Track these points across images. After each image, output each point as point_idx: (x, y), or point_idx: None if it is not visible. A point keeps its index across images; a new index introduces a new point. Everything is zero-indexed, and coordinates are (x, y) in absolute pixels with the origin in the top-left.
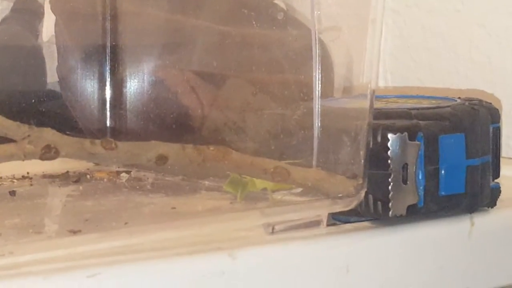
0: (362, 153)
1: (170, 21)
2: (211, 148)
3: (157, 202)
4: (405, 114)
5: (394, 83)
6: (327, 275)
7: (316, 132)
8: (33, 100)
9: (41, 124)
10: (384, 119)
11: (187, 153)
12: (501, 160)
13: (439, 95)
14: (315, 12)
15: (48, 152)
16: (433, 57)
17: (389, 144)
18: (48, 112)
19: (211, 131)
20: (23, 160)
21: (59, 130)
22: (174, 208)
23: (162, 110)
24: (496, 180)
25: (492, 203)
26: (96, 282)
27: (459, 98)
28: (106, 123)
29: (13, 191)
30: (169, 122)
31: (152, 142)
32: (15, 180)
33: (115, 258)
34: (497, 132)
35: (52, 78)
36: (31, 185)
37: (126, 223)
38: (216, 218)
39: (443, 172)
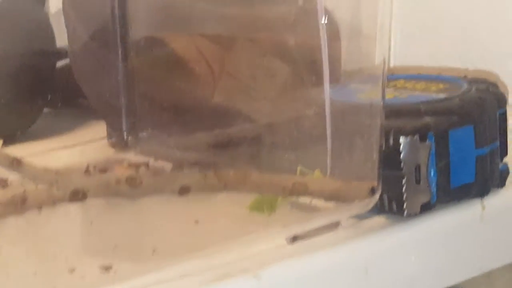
0: (375, 155)
1: None
2: (231, 173)
3: (178, 213)
4: (415, 110)
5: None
6: (347, 279)
7: (328, 131)
8: (43, 72)
9: (53, 97)
10: (395, 117)
11: (208, 182)
12: None
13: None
14: None
15: (76, 196)
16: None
17: (401, 148)
18: (59, 86)
19: (223, 97)
20: (53, 207)
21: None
22: (197, 221)
23: (173, 80)
24: (504, 160)
25: (501, 184)
26: None
27: (465, 77)
28: (119, 102)
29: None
30: (181, 92)
31: (175, 174)
32: None
33: None
34: (504, 117)
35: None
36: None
37: (154, 251)
38: (239, 240)
39: (453, 165)
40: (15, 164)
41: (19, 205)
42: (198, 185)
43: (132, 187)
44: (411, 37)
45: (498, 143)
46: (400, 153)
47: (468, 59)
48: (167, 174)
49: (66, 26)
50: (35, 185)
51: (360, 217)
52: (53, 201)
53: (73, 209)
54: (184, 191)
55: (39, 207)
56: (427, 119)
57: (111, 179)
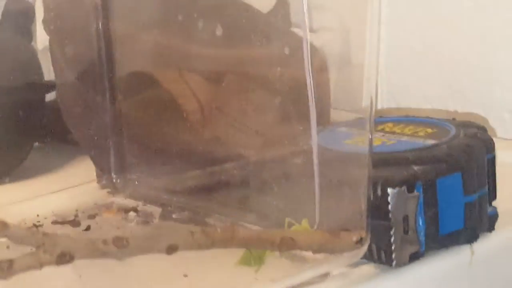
0: (363, 206)
1: (163, 39)
2: (219, 229)
3: (167, 267)
4: (403, 160)
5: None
6: None
7: (316, 178)
8: (32, 110)
9: (42, 132)
10: (383, 166)
11: (195, 239)
12: None
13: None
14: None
15: (64, 259)
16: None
17: (389, 199)
18: (48, 121)
19: (213, 132)
20: (40, 270)
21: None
22: (186, 275)
23: (162, 118)
24: (493, 203)
25: (490, 228)
26: None
27: (454, 120)
28: (107, 143)
29: None
30: (170, 132)
31: (162, 233)
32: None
33: None
34: (493, 161)
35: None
36: None
37: None
38: None
39: (442, 213)
40: (1, 227)
41: (6, 270)
42: (186, 243)
43: (119, 248)
44: (398, 68)
45: (486, 188)
46: (388, 204)
47: (457, 88)
48: (154, 232)
49: (53, 66)
50: (22, 249)
51: (349, 265)
52: (40, 264)
53: (61, 270)
54: (171, 250)
55: (26, 270)
56: (415, 169)
57: (97, 240)
